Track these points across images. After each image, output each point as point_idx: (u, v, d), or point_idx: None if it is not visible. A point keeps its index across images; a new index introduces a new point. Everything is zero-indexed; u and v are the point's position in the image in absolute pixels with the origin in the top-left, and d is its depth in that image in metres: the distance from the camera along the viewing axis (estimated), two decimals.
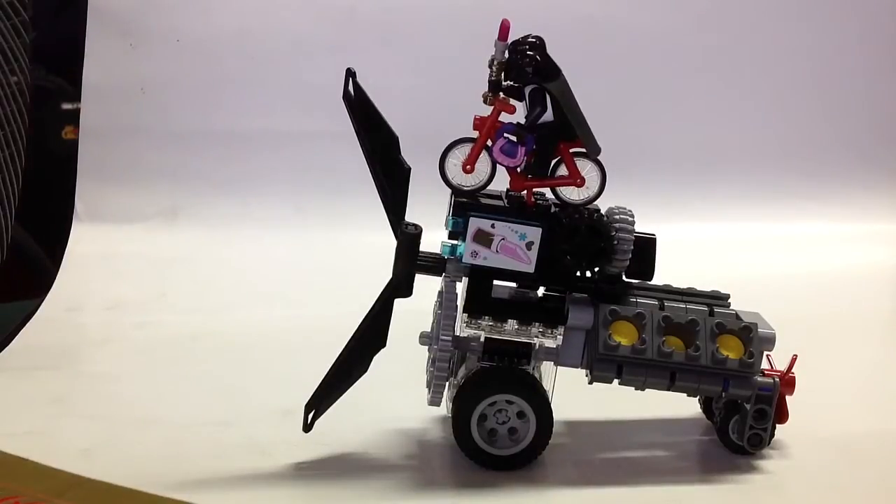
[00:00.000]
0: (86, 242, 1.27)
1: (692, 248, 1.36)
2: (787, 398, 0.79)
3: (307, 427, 0.73)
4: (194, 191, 1.34)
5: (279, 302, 1.17)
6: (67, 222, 1.29)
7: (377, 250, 0.77)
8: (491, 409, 0.74)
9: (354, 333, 0.72)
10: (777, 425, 0.78)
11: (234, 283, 1.22)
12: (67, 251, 1.25)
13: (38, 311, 1.12)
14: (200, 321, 1.10)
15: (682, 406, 0.82)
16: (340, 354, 0.72)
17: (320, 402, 0.73)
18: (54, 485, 0.69)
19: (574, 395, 0.77)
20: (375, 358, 0.73)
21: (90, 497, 0.68)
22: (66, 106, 1.31)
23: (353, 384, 0.73)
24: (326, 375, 0.72)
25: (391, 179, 0.71)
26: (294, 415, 0.78)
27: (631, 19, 1.44)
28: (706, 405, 0.84)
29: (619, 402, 0.80)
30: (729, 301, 0.78)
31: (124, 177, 1.34)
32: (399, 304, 0.72)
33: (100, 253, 1.25)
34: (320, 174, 1.34)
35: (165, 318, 1.11)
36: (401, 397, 0.82)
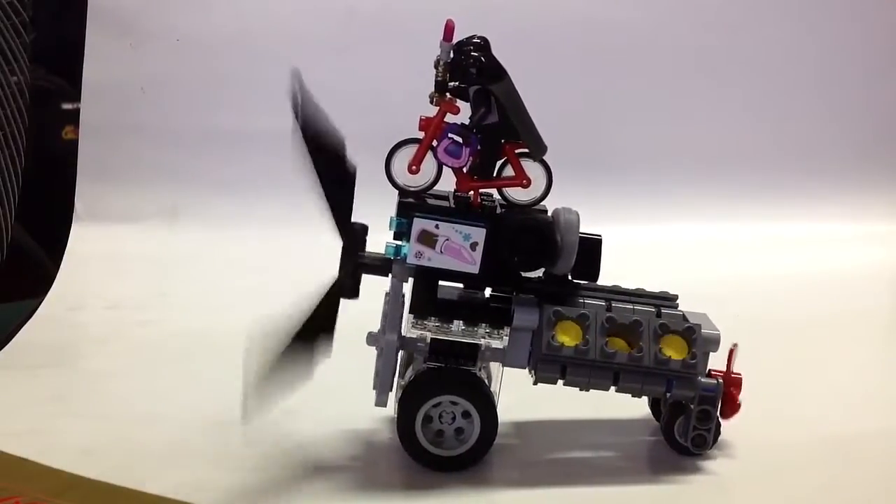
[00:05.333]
0: (86, 242, 1.27)
1: (689, 249, 1.37)
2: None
3: (247, 419, 0.69)
4: (194, 191, 1.34)
5: (279, 301, 1.17)
6: (67, 222, 1.29)
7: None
8: (435, 410, 0.73)
9: (297, 333, 0.70)
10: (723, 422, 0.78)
11: (234, 282, 1.22)
12: (67, 251, 1.26)
13: (39, 310, 1.12)
14: (200, 321, 1.10)
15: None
16: (281, 351, 0.70)
17: (260, 395, 0.70)
18: (54, 485, 0.69)
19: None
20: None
21: (90, 497, 0.69)
22: (66, 106, 1.31)
23: (295, 387, 0.71)
24: (265, 369, 0.70)
25: (337, 180, 0.71)
26: (294, 414, 0.79)
27: (630, 20, 1.44)
28: (654, 406, 0.84)
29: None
30: (677, 302, 0.78)
31: (124, 177, 1.34)
32: (348, 304, 0.72)
33: (100, 253, 1.25)
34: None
35: (165, 317, 1.11)
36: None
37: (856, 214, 1.48)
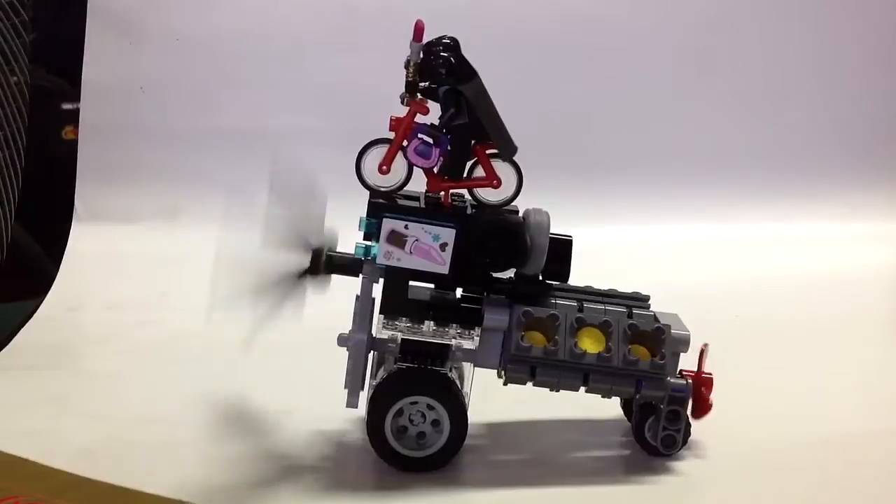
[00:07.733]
0: (86, 242, 1.27)
1: (690, 249, 1.37)
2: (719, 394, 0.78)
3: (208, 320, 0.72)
4: (194, 191, 1.34)
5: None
6: (67, 222, 1.29)
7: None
8: (404, 410, 0.73)
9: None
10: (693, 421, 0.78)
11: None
12: (67, 251, 1.26)
13: (39, 310, 1.12)
14: (200, 321, 1.10)
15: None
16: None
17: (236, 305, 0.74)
18: (54, 485, 0.69)
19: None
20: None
21: (90, 497, 0.68)
22: (66, 106, 1.31)
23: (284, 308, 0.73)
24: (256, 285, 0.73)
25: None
26: (294, 415, 0.79)
27: (630, 20, 1.44)
28: (626, 406, 0.84)
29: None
30: (649, 303, 0.78)
31: (124, 177, 1.34)
32: (320, 305, 0.73)
33: (100, 253, 1.25)
34: (319, 174, 1.34)
35: (165, 317, 1.11)
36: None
37: (856, 214, 1.48)
